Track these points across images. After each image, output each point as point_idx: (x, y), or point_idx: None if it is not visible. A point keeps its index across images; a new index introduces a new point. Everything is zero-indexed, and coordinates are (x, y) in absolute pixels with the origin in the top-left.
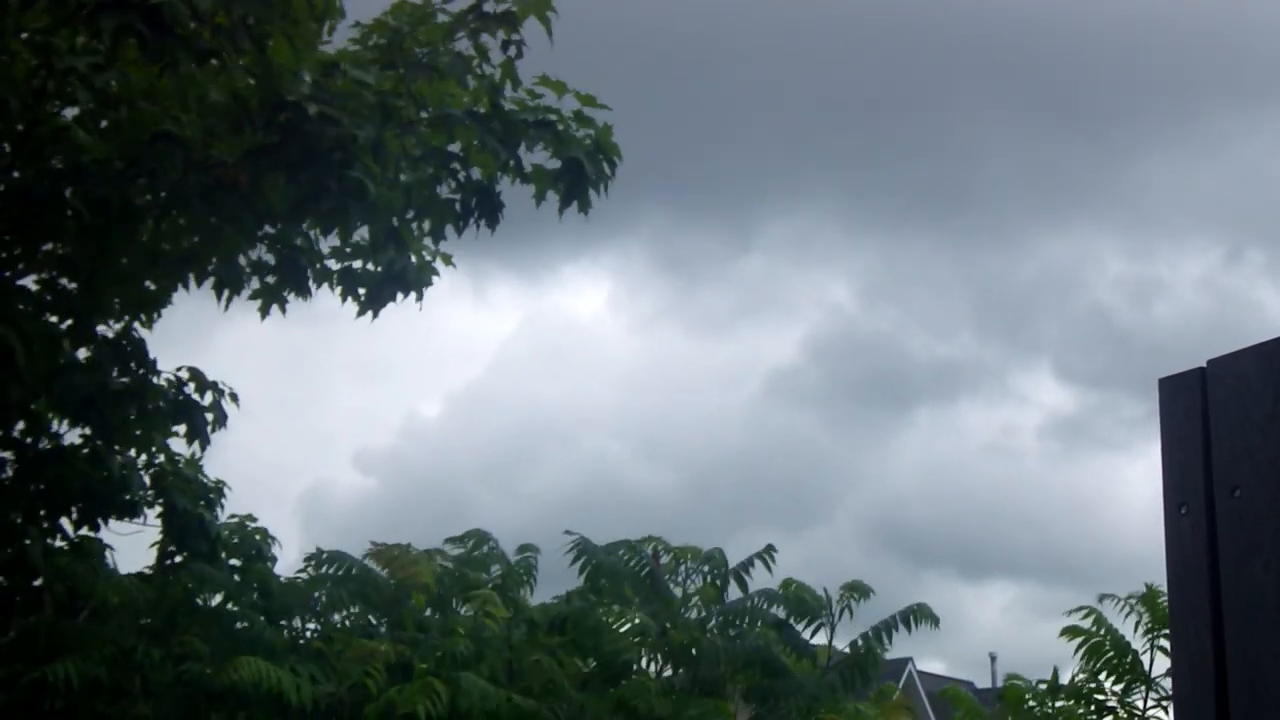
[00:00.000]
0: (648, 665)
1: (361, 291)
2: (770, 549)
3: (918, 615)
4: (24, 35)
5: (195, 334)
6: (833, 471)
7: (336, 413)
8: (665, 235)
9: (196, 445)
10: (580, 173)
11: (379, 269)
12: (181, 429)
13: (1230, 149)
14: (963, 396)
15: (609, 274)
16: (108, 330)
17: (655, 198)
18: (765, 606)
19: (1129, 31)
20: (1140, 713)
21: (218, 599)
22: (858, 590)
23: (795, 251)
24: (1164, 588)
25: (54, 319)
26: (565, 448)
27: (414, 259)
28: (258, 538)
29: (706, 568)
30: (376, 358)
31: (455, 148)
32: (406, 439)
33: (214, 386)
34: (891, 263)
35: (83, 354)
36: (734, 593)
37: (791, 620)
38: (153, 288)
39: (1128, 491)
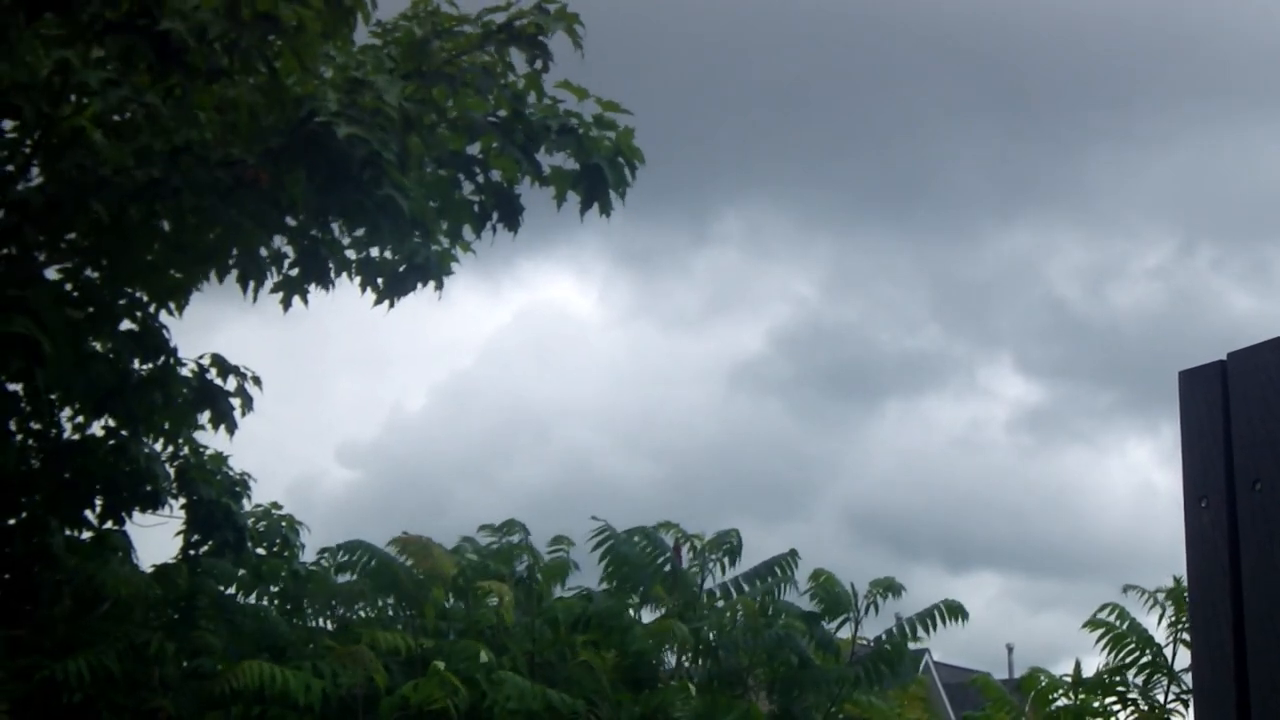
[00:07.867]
0: (677, 662)
1: (380, 281)
2: (794, 553)
3: (945, 611)
4: (45, 42)
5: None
6: (809, 464)
7: (320, 407)
8: (621, 228)
9: (224, 430)
10: (600, 176)
11: (398, 258)
12: (205, 416)
13: (1180, 145)
14: (930, 389)
15: (569, 270)
16: (131, 323)
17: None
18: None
19: (1083, 28)
20: (1160, 706)
21: (232, 592)
22: (888, 588)
23: (755, 245)
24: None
25: (76, 311)
26: (543, 441)
27: (435, 248)
28: (284, 524)
29: (723, 553)
30: (356, 354)
31: (475, 149)
32: (389, 432)
33: (236, 371)
34: (853, 257)
35: (105, 345)
36: (741, 567)
37: (821, 614)
38: (179, 276)
39: (1107, 481)
